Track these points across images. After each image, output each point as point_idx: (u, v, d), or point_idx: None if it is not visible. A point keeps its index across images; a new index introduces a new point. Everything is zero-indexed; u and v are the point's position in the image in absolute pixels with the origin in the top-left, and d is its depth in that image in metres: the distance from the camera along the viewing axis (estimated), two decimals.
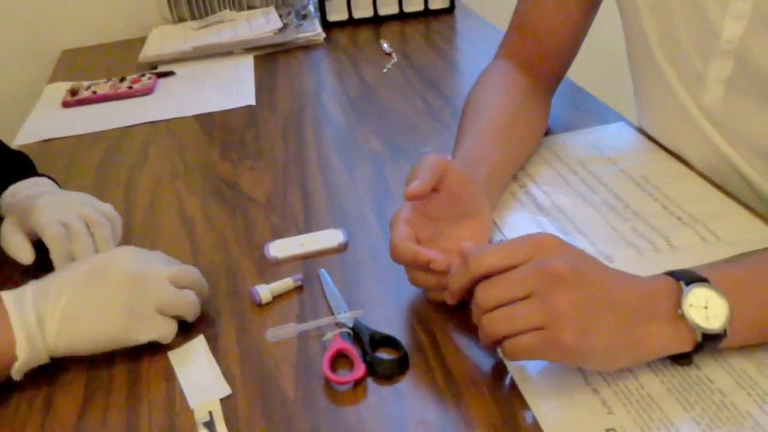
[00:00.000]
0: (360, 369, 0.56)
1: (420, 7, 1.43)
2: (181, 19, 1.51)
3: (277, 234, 0.76)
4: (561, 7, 0.83)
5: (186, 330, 0.63)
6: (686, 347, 0.51)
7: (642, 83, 0.85)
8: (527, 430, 0.51)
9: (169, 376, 0.59)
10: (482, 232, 0.65)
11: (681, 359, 0.53)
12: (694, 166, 0.79)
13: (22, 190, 0.75)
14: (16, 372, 0.56)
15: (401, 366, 0.57)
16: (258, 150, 0.96)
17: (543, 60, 0.86)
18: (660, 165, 0.80)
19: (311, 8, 1.47)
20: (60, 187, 0.79)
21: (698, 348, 0.51)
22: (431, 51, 1.26)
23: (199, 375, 0.59)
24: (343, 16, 1.42)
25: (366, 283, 0.67)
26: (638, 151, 0.83)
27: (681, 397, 0.51)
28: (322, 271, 0.69)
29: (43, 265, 0.68)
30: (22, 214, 0.71)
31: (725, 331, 0.50)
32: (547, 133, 0.88)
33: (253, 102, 1.11)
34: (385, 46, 1.28)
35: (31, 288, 0.59)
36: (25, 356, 0.56)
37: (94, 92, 1.18)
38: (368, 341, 0.59)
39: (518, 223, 0.73)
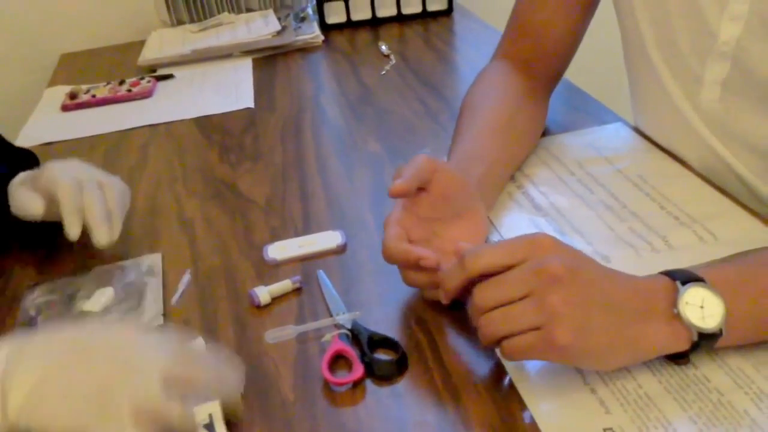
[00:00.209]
0: (358, 370, 0.56)
1: (418, 9, 1.43)
2: (180, 22, 1.51)
3: (276, 236, 0.76)
4: (559, 7, 0.83)
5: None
6: (683, 346, 0.51)
7: (638, 84, 0.85)
8: (525, 430, 0.51)
9: None
10: (477, 232, 0.66)
11: (678, 358, 0.53)
12: (690, 166, 0.79)
13: (29, 174, 0.75)
14: None
15: (400, 367, 0.57)
16: (257, 152, 0.96)
17: (540, 60, 0.86)
18: (657, 165, 0.80)
19: (309, 11, 1.47)
20: None
21: (694, 347, 0.51)
22: (429, 53, 1.27)
23: None
24: (342, 18, 1.42)
25: (364, 284, 0.68)
26: (636, 152, 0.84)
27: (678, 396, 0.51)
28: (321, 273, 0.69)
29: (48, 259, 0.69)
30: (33, 178, 0.72)
31: (721, 330, 0.50)
32: (545, 133, 0.88)
33: (251, 104, 1.11)
34: (384, 48, 1.28)
35: (6, 350, 0.49)
36: None
37: (94, 96, 1.18)
38: (367, 342, 0.59)
39: (516, 223, 0.73)
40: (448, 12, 1.44)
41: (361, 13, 1.43)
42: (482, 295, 0.52)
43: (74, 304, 0.69)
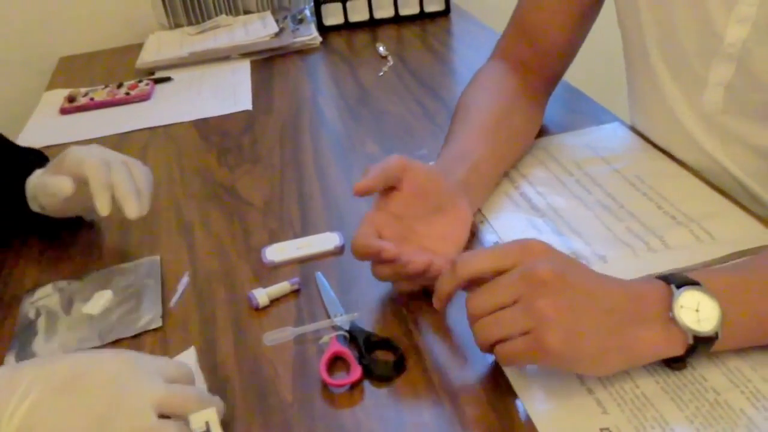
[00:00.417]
0: (356, 371, 0.56)
1: (416, 10, 1.43)
2: (178, 25, 1.51)
3: (275, 238, 0.76)
4: (561, 10, 0.83)
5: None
6: (678, 350, 0.51)
7: (637, 86, 0.85)
8: (522, 431, 0.51)
9: None
10: (458, 228, 0.66)
11: (675, 363, 0.53)
12: (688, 165, 0.79)
13: (50, 163, 0.76)
14: None
15: (397, 368, 0.57)
16: (255, 154, 0.96)
17: (539, 62, 0.86)
18: (654, 165, 0.80)
19: (307, 12, 1.47)
20: None
21: (690, 351, 0.51)
22: (427, 54, 1.27)
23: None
24: (339, 20, 1.43)
25: (362, 286, 0.68)
26: (633, 152, 0.84)
27: (675, 396, 0.52)
28: (319, 275, 0.69)
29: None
30: (55, 164, 0.73)
31: (717, 333, 0.50)
32: (542, 133, 0.89)
33: (250, 107, 1.12)
34: (381, 49, 1.28)
35: None
36: None
37: (92, 99, 1.19)
38: (364, 344, 0.59)
39: (513, 224, 0.73)
40: (445, 13, 1.44)
41: (358, 14, 1.43)
42: (474, 303, 0.53)
43: (73, 306, 0.70)
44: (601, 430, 0.50)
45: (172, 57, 1.33)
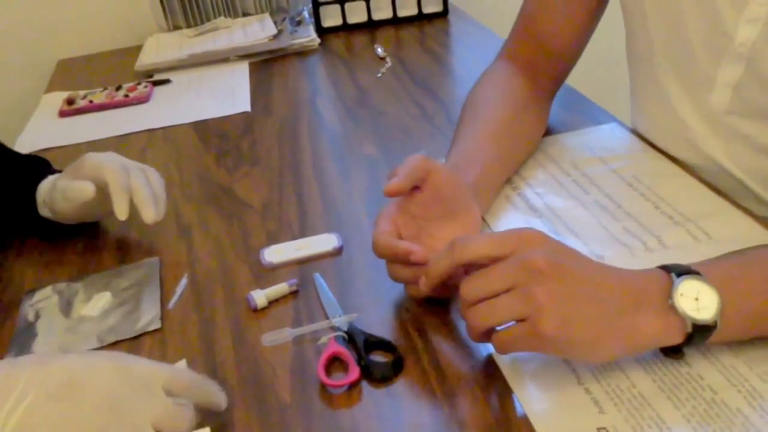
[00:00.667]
0: (354, 372, 0.56)
1: (414, 11, 1.43)
2: (177, 27, 1.52)
3: (273, 239, 0.77)
4: (568, 11, 0.83)
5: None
6: (677, 339, 0.51)
7: (639, 85, 0.85)
8: (520, 430, 0.51)
9: None
10: (469, 233, 0.66)
11: (672, 353, 0.53)
12: (685, 165, 0.79)
13: (67, 169, 0.77)
14: None
15: (395, 369, 0.57)
16: (254, 156, 0.96)
17: (545, 63, 0.86)
18: (652, 165, 0.80)
19: (306, 14, 1.47)
20: None
21: (688, 340, 0.51)
22: (425, 55, 1.27)
23: None
24: (338, 21, 1.43)
25: (361, 286, 0.68)
26: (630, 152, 0.84)
27: (672, 395, 0.52)
28: (317, 276, 0.69)
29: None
30: (73, 169, 0.75)
31: (716, 322, 0.50)
32: (543, 134, 0.89)
33: (248, 108, 1.12)
34: (380, 50, 1.29)
35: None
36: None
37: (91, 101, 1.19)
38: (363, 344, 0.59)
39: (511, 225, 0.73)
40: (443, 14, 1.44)
41: (357, 16, 1.43)
42: (468, 288, 0.53)
43: (72, 308, 0.70)
44: (598, 429, 0.50)
45: (170, 59, 1.33)
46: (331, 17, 1.43)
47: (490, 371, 0.56)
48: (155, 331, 0.66)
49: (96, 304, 0.69)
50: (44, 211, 0.78)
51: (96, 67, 1.43)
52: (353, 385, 0.56)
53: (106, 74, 1.36)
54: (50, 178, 0.79)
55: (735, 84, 0.71)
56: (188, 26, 1.51)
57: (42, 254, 0.80)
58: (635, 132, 0.88)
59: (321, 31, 1.42)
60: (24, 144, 1.08)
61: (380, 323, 0.63)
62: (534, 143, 0.85)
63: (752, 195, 0.77)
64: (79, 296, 0.71)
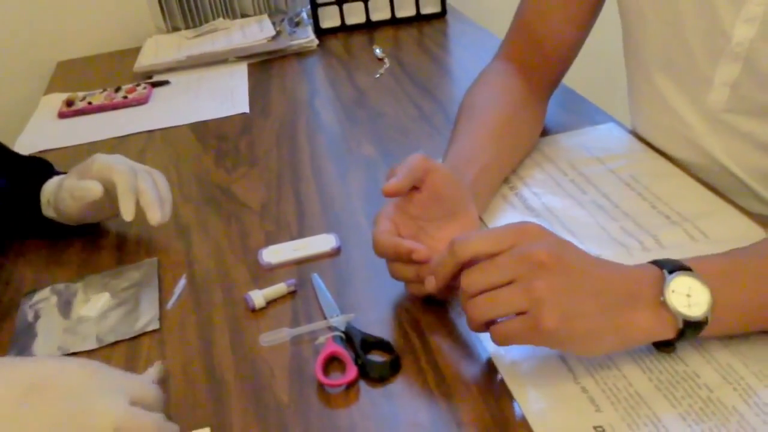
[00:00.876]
0: (352, 372, 0.57)
1: (412, 12, 1.44)
2: (175, 29, 1.52)
3: (271, 240, 0.77)
4: (564, 12, 0.83)
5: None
6: (669, 334, 0.52)
7: (636, 84, 0.85)
8: (517, 429, 0.51)
9: None
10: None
11: (664, 347, 0.54)
12: (684, 166, 0.79)
13: (74, 169, 0.78)
14: None
15: (393, 368, 0.58)
16: (252, 157, 0.97)
17: (542, 64, 0.86)
18: (649, 164, 0.81)
19: (304, 15, 1.48)
20: None
21: (680, 335, 0.51)
22: (423, 55, 1.27)
23: None
24: (336, 22, 1.43)
25: (358, 287, 0.68)
26: (627, 151, 0.84)
27: (668, 394, 0.52)
28: (315, 276, 0.69)
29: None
30: (81, 170, 0.75)
31: (707, 318, 0.51)
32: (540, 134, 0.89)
33: (247, 109, 1.12)
34: (378, 51, 1.29)
35: None
36: None
37: (90, 103, 1.19)
38: (360, 344, 0.59)
39: None
40: (441, 14, 1.45)
41: (355, 17, 1.43)
42: (469, 280, 0.53)
43: (71, 309, 0.70)
44: (595, 428, 0.50)
45: (169, 60, 1.33)
46: (330, 18, 1.43)
47: (488, 370, 0.57)
48: (154, 331, 0.66)
49: (95, 304, 0.70)
50: (48, 211, 0.79)
51: (95, 69, 1.43)
52: (351, 385, 0.57)
53: (105, 76, 1.37)
54: (56, 178, 0.80)
55: (733, 83, 0.71)
56: (187, 28, 1.51)
57: (41, 255, 0.80)
58: (633, 132, 0.88)
59: (319, 32, 1.42)
60: (23, 145, 1.08)
61: (378, 323, 0.63)
62: (531, 143, 0.85)
63: (752, 193, 0.77)
64: (78, 297, 0.72)
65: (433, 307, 0.63)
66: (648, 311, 0.51)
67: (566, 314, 0.49)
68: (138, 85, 1.24)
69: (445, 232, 0.65)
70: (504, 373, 0.56)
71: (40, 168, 0.83)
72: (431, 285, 0.58)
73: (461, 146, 0.75)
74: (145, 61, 1.35)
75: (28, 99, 1.33)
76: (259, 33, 1.39)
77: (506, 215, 0.75)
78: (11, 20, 1.47)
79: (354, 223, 0.78)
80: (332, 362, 0.59)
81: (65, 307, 0.70)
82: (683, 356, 0.54)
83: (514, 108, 0.81)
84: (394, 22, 1.44)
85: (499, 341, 0.53)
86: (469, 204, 0.67)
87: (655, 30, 0.77)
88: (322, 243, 0.74)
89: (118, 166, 0.73)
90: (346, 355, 0.58)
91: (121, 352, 0.64)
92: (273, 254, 0.73)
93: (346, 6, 1.42)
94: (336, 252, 0.73)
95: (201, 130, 1.08)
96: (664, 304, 0.51)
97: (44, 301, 0.72)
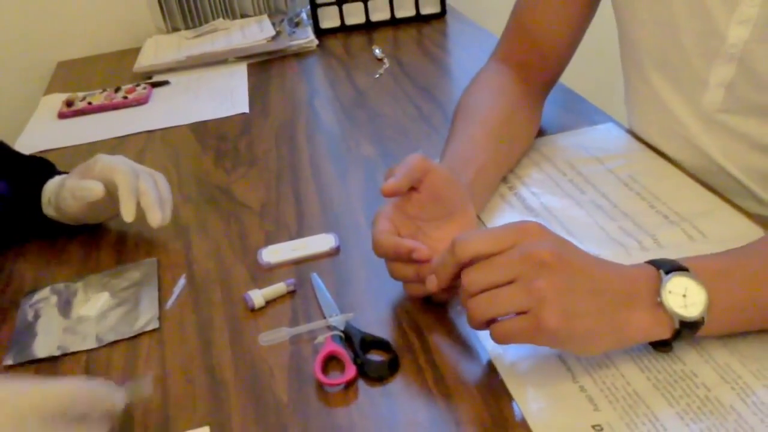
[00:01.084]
0: (351, 371, 0.57)
1: (411, 13, 1.44)
2: (175, 29, 1.52)
3: (271, 240, 0.77)
4: (560, 11, 0.84)
5: None
6: (665, 334, 0.52)
7: (632, 85, 0.86)
8: (516, 429, 0.51)
9: None
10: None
11: (661, 346, 0.54)
12: (681, 166, 0.80)
13: (76, 169, 0.78)
14: None
15: (392, 367, 0.58)
16: (252, 157, 0.97)
17: (538, 64, 0.86)
18: (647, 164, 0.81)
19: (304, 16, 1.48)
20: None
21: (677, 335, 0.52)
22: (423, 56, 1.28)
23: None
24: (336, 22, 1.43)
25: (357, 286, 0.68)
26: (626, 151, 0.84)
27: (666, 393, 0.52)
28: (314, 276, 0.69)
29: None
30: (84, 169, 0.76)
31: (703, 318, 0.51)
32: (536, 134, 0.89)
33: (246, 110, 1.12)
34: (377, 51, 1.29)
35: None
36: None
37: (90, 103, 1.19)
38: (359, 343, 0.59)
39: None
40: (441, 15, 1.45)
41: (354, 17, 1.43)
42: (470, 279, 0.53)
43: (71, 308, 0.70)
44: (593, 427, 0.50)
45: (169, 61, 1.33)
46: (329, 18, 1.43)
47: (486, 370, 0.57)
48: (153, 331, 0.66)
49: (95, 304, 0.70)
50: (49, 210, 0.79)
51: (95, 69, 1.43)
52: (350, 384, 0.57)
53: (105, 76, 1.37)
54: (57, 177, 0.81)
55: (728, 84, 0.72)
56: (187, 28, 1.51)
57: (41, 255, 0.80)
58: (631, 132, 0.88)
59: (319, 32, 1.42)
60: (23, 145, 1.08)
61: (377, 322, 0.63)
62: (528, 143, 0.86)
63: (749, 193, 0.77)
64: (77, 296, 0.72)
65: (432, 306, 0.64)
66: (645, 311, 0.51)
67: (567, 313, 0.49)
68: (138, 85, 1.24)
69: (444, 232, 0.65)
70: (503, 373, 0.56)
71: (41, 167, 0.84)
72: (433, 284, 0.58)
73: (458, 147, 0.75)
74: (144, 61, 1.36)
75: (28, 99, 1.33)
76: (258, 33, 1.39)
77: (505, 215, 0.75)
78: (11, 20, 1.47)
79: (353, 222, 0.79)
80: (331, 361, 0.59)
81: (65, 306, 0.71)
82: (681, 355, 0.55)
83: (511, 108, 0.82)
84: (393, 22, 1.44)
85: (499, 340, 0.53)
86: (467, 204, 0.67)
87: (650, 31, 0.77)
88: (321, 243, 0.74)
89: (120, 167, 0.74)
90: (345, 354, 0.59)
91: (121, 351, 0.64)
92: (272, 254, 0.74)
93: (345, 6, 1.42)
94: (335, 252, 0.73)
95: (201, 130, 1.08)
96: (660, 305, 0.51)
97: (44, 300, 0.72)
